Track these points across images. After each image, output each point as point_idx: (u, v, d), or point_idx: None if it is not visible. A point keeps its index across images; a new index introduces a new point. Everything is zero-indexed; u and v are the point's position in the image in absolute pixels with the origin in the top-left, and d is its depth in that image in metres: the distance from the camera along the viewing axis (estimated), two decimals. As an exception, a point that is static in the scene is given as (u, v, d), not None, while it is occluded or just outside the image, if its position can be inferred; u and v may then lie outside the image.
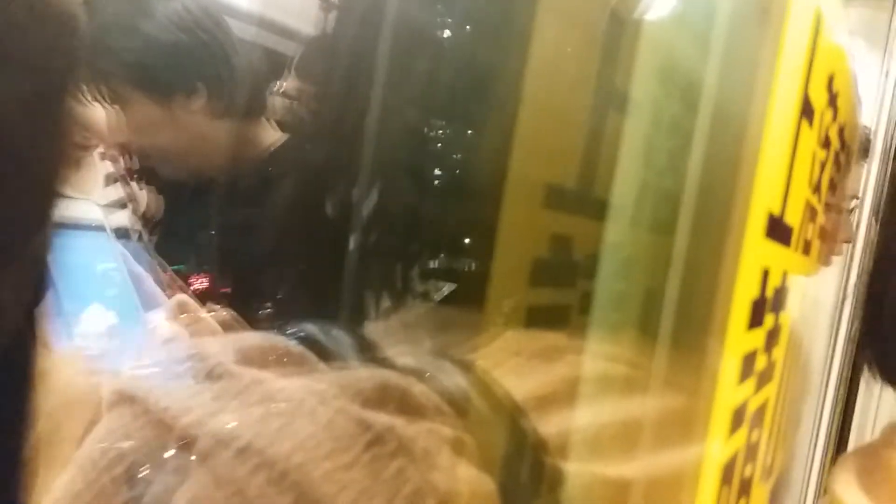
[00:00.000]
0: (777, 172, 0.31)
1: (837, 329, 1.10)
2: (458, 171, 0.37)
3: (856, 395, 1.73)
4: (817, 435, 1.16)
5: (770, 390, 0.42)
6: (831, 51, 0.39)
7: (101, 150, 1.15)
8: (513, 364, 0.32)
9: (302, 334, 0.33)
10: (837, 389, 1.13)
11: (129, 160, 1.13)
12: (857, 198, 0.97)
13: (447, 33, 0.39)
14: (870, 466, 0.41)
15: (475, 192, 0.36)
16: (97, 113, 0.99)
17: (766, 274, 0.33)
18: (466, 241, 0.37)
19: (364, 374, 0.31)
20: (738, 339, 0.29)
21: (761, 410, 0.40)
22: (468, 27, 0.37)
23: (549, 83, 0.35)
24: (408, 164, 0.40)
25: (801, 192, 0.38)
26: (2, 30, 0.47)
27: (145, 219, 1.12)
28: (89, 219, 0.68)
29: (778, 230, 0.33)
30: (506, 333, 0.32)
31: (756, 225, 0.28)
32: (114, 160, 1.14)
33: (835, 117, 0.44)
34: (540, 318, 0.32)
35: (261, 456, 0.27)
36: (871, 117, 0.95)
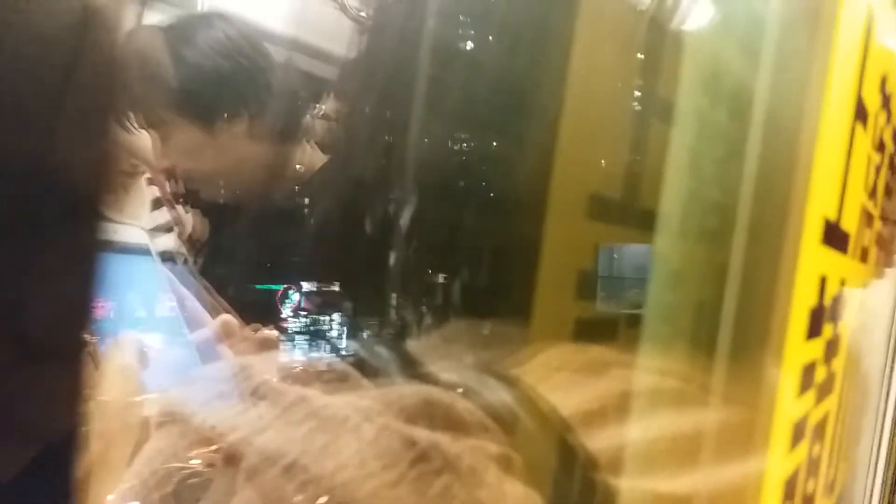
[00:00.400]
0: (832, 176, 0.30)
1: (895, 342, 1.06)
2: (500, 184, 0.37)
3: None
4: (878, 450, 1.12)
5: (830, 403, 0.40)
6: (883, 52, 0.38)
7: (147, 175, 1.17)
8: (558, 379, 0.31)
9: (344, 351, 0.33)
10: (893, 408, 1.09)
11: (174, 184, 1.15)
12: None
13: (485, 48, 0.38)
14: None
15: (519, 205, 0.35)
16: (142, 139, 1.01)
17: (823, 281, 0.31)
18: (510, 254, 0.37)
19: (408, 391, 0.30)
20: (796, 349, 0.28)
21: (822, 424, 0.38)
22: (507, 40, 0.37)
23: (591, 93, 0.34)
24: (449, 180, 0.40)
25: (857, 198, 0.37)
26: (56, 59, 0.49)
27: (191, 242, 1.13)
28: (135, 243, 0.69)
29: (835, 236, 0.32)
30: (550, 348, 0.32)
31: (812, 231, 0.27)
32: (160, 185, 1.17)
33: (889, 119, 0.42)
34: (586, 331, 0.31)
35: (307, 473, 0.27)
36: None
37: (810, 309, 0.29)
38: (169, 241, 1.12)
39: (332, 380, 0.32)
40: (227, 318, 0.56)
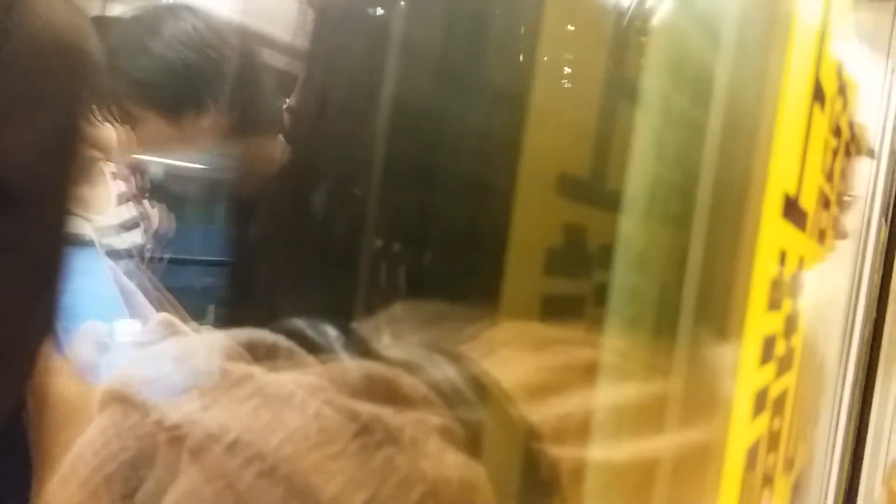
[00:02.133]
0: (792, 153, 0.31)
1: (852, 329, 1.09)
2: (466, 164, 0.37)
3: (871, 396, 1.71)
4: (835, 435, 1.15)
5: (790, 379, 0.41)
6: (841, 38, 0.39)
7: (113, 169, 1.16)
8: (503, 354, 0.32)
9: (290, 329, 0.33)
10: (854, 389, 1.12)
11: (140, 178, 1.14)
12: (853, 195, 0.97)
13: (449, 30, 0.39)
14: None
15: (484, 184, 0.36)
16: (108, 132, 1.00)
17: (783, 256, 0.33)
18: (472, 233, 0.38)
19: (351, 366, 0.31)
20: (757, 319, 0.29)
21: (782, 398, 0.40)
22: (476, 22, 0.37)
23: (559, 74, 0.35)
24: (412, 162, 0.41)
25: (815, 178, 0.39)
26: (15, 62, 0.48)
27: (157, 236, 1.12)
28: (80, 235, 0.68)
29: (794, 212, 0.33)
30: (497, 325, 0.33)
31: (773, 203, 0.28)
32: (126, 179, 1.16)
33: (845, 106, 0.44)
34: (552, 309, 0.32)
35: (251, 449, 0.27)
36: (877, 117, 0.95)
37: (771, 280, 0.30)
38: (135, 237, 1.11)
39: (277, 358, 0.32)
40: (167, 315, 0.55)
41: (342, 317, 0.39)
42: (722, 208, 0.29)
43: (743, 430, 0.31)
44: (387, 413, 0.28)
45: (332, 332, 0.37)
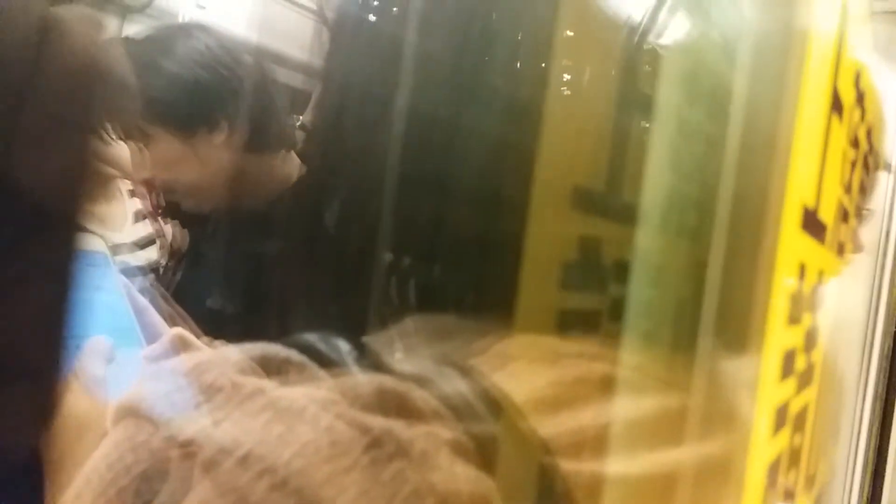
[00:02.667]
0: (810, 164, 0.30)
1: (872, 343, 1.08)
2: (480, 178, 0.37)
3: (892, 410, 1.69)
4: (857, 450, 1.13)
5: (810, 394, 0.41)
6: (857, 49, 0.39)
7: (129, 187, 1.17)
8: (516, 368, 0.31)
9: (302, 344, 0.33)
10: (874, 405, 1.10)
11: (155, 196, 1.14)
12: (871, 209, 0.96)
13: (464, 43, 0.39)
14: None
15: (499, 198, 0.36)
16: (122, 150, 1.00)
17: (803, 269, 0.32)
18: (486, 247, 0.37)
19: (363, 380, 0.31)
20: (778, 332, 0.29)
21: (803, 414, 0.39)
22: (487, 36, 0.37)
23: (574, 87, 0.35)
24: (429, 175, 0.40)
25: (834, 190, 0.38)
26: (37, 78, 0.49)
27: (172, 254, 1.13)
28: (93, 251, 0.69)
29: (813, 224, 0.33)
30: (510, 338, 0.32)
31: (792, 215, 0.28)
32: (141, 197, 1.16)
33: (863, 117, 0.43)
34: (568, 323, 0.31)
35: (262, 463, 0.27)
36: (891, 129, 0.95)
37: (791, 294, 0.30)
38: (151, 254, 1.11)
39: (289, 372, 0.32)
40: (180, 331, 0.55)
41: (354, 331, 0.39)
42: (740, 221, 0.28)
43: (763, 446, 0.30)
44: (398, 426, 0.28)
45: (343, 346, 0.37)
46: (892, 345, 1.48)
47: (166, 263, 1.09)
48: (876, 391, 1.20)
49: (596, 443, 0.29)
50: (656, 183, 0.29)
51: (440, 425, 0.30)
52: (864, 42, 0.44)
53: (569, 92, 0.33)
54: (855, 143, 0.42)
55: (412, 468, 0.27)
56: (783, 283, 0.29)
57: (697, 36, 0.32)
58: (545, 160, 0.32)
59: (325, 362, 0.35)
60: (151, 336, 0.65)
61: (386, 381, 0.31)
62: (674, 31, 0.33)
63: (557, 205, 0.34)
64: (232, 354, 0.32)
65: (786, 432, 0.35)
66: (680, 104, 0.29)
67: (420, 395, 0.31)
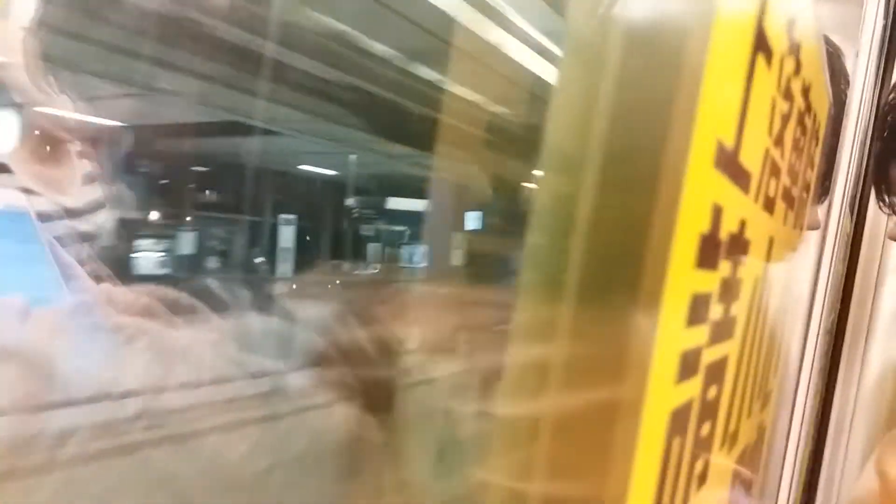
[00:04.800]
0: (727, 100, 0.29)
1: (819, 319, 1.09)
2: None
3: (834, 387, 1.72)
4: (800, 424, 1.15)
5: (730, 348, 0.40)
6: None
7: (78, 149, 1.13)
8: (419, 315, 0.31)
9: (199, 289, 0.33)
10: (812, 381, 1.12)
11: (105, 160, 1.11)
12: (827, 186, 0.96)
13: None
14: None
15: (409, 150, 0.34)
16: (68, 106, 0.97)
17: (718, 211, 0.31)
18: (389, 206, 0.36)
19: (252, 322, 0.31)
20: (684, 272, 0.28)
21: (719, 366, 0.38)
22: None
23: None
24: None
25: (760, 139, 0.37)
26: None
27: (121, 218, 1.10)
28: (13, 205, 0.67)
29: (731, 166, 0.32)
30: (413, 288, 0.32)
31: (703, 148, 0.27)
32: (89, 158, 1.13)
33: (797, 70, 0.42)
34: (468, 272, 0.30)
35: (141, 401, 0.26)
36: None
37: (700, 234, 0.29)
38: (98, 217, 1.08)
39: (178, 313, 0.32)
40: (108, 286, 0.54)
41: (261, 280, 0.38)
42: (646, 154, 0.27)
43: (666, 391, 0.29)
44: (276, 366, 0.27)
45: (243, 292, 0.36)
46: (836, 320, 1.51)
47: (112, 226, 1.06)
48: (815, 365, 1.22)
49: (490, 384, 0.28)
50: (557, 122, 0.27)
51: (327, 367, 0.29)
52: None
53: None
54: (787, 96, 0.42)
55: (296, 414, 0.27)
56: (691, 222, 0.28)
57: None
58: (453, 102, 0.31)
59: (220, 306, 0.34)
60: (74, 289, 0.64)
61: (273, 323, 0.31)
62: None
63: (465, 146, 0.33)
64: (118, 295, 0.32)
65: (696, 381, 0.34)
66: (589, 35, 0.28)
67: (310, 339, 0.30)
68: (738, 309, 0.40)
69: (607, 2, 0.29)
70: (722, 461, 0.45)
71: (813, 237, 1.07)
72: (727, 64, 0.28)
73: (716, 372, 0.37)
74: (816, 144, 0.60)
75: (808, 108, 0.50)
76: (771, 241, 0.47)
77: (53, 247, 0.67)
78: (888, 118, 1.00)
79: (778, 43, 0.36)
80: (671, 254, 0.26)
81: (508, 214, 0.31)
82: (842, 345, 1.68)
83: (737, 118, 0.31)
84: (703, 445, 0.38)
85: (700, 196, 0.28)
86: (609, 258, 0.28)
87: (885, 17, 0.93)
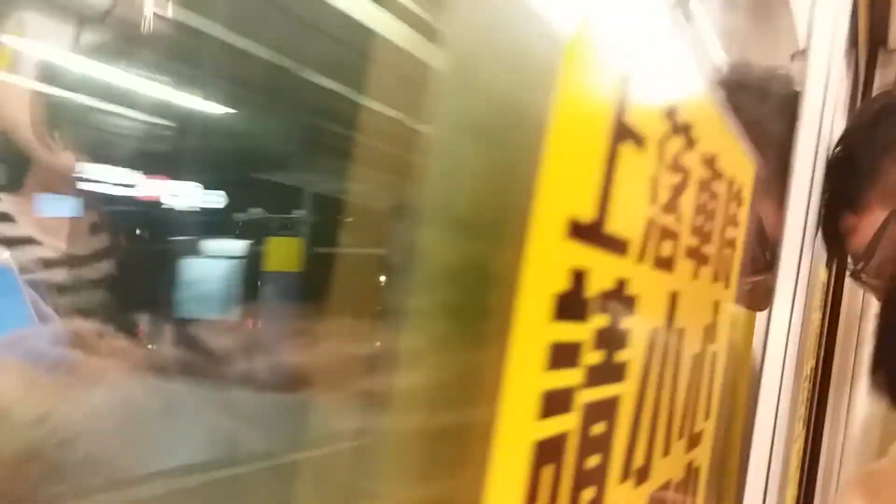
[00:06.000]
0: (580, 183, 0.35)
1: (784, 363, 1.13)
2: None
3: (821, 436, 1.74)
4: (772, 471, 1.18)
5: (621, 390, 0.46)
6: (668, 86, 0.44)
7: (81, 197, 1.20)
8: (321, 346, 0.37)
9: (124, 322, 0.39)
10: (784, 428, 1.15)
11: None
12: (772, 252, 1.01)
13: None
14: (876, 487, 0.43)
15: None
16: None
17: (580, 273, 0.37)
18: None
19: (168, 353, 0.36)
20: (537, 323, 0.33)
21: (606, 406, 0.44)
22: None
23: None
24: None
25: (638, 210, 0.43)
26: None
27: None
28: None
29: (593, 236, 0.38)
30: (322, 323, 0.38)
31: (548, 224, 0.33)
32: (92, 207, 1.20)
33: (690, 146, 0.49)
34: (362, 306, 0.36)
35: (58, 423, 0.32)
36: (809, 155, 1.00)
37: (556, 294, 0.35)
38: (105, 265, 1.15)
39: (104, 344, 0.38)
40: (82, 322, 0.59)
41: (182, 315, 0.44)
42: (511, 228, 0.33)
43: (525, 424, 0.35)
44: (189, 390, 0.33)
45: (166, 325, 0.42)
46: (815, 367, 1.54)
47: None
48: (799, 413, 1.26)
49: (375, 401, 0.34)
50: (434, 183, 0.34)
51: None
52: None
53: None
54: (678, 169, 0.48)
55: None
56: (541, 285, 0.34)
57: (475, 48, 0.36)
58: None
59: (142, 337, 0.41)
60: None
61: (186, 355, 0.37)
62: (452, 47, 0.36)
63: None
64: (48, 329, 0.38)
65: (570, 417, 0.39)
66: (457, 114, 0.34)
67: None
68: (630, 355, 0.46)
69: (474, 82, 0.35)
70: (628, 492, 0.51)
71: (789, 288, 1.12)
72: (574, 156, 0.34)
73: (601, 411, 0.43)
74: (739, 205, 0.66)
75: (717, 175, 0.56)
76: (674, 295, 0.52)
77: (35, 300, 0.74)
78: (835, 169, 1.06)
79: (652, 130, 0.42)
80: (518, 309, 0.32)
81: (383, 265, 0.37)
82: (827, 393, 1.71)
83: (597, 196, 0.37)
84: (591, 476, 0.43)
85: (550, 262, 0.34)
86: (468, 306, 0.34)
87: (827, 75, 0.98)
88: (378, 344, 0.34)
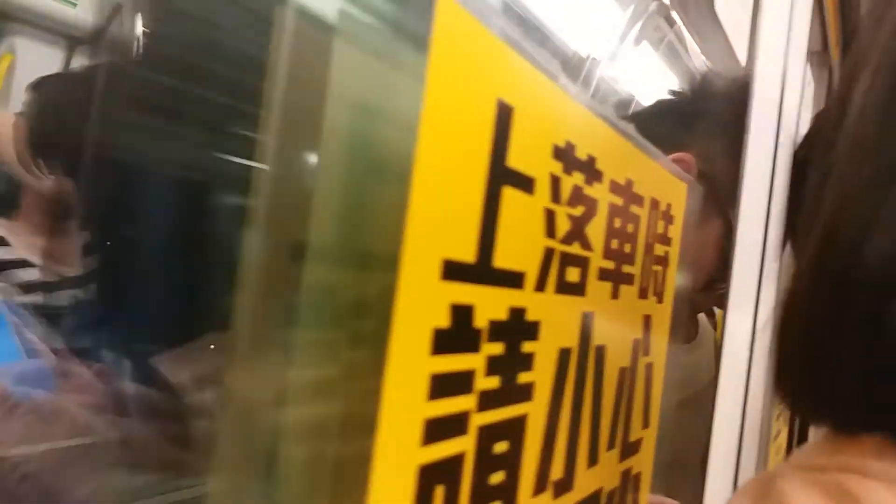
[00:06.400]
0: (456, 228, 0.38)
1: (751, 360, 1.16)
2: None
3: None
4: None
5: (528, 409, 0.49)
6: (554, 112, 0.47)
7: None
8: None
9: (88, 358, 0.42)
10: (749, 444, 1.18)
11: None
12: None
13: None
14: (763, 496, 0.45)
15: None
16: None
17: (464, 309, 0.40)
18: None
19: (127, 388, 0.39)
20: (413, 358, 0.37)
21: (509, 426, 0.47)
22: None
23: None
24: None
25: (532, 243, 0.46)
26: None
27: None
28: None
29: (476, 274, 0.41)
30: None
31: (420, 269, 0.36)
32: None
33: (592, 179, 0.51)
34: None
35: (19, 457, 0.35)
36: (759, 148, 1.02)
37: (435, 328, 0.38)
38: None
39: (70, 379, 0.41)
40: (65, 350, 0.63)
41: (143, 350, 0.47)
42: (390, 269, 0.37)
43: (408, 450, 0.38)
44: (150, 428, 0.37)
45: (125, 361, 0.45)
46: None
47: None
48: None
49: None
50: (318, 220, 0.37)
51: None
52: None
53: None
54: (581, 201, 0.51)
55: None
56: (413, 319, 0.37)
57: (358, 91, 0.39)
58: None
59: (104, 373, 0.44)
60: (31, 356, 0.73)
61: (144, 391, 0.40)
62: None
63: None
64: (9, 367, 0.41)
65: (464, 440, 0.42)
66: (342, 150, 0.37)
67: (159, 399, 0.39)
68: (536, 377, 0.49)
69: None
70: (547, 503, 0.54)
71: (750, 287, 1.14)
72: (446, 200, 0.37)
73: (503, 431, 0.46)
74: (670, 223, 0.69)
75: (634, 199, 0.59)
76: (587, 316, 0.55)
77: (18, 327, 0.78)
78: (796, 171, 1.08)
79: (540, 170, 0.45)
80: (391, 346, 0.35)
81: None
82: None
83: (477, 238, 0.40)
84: (496, 491, 0.46)
85: (426, 302, 0.37)
86: (351, 342, 0.37)
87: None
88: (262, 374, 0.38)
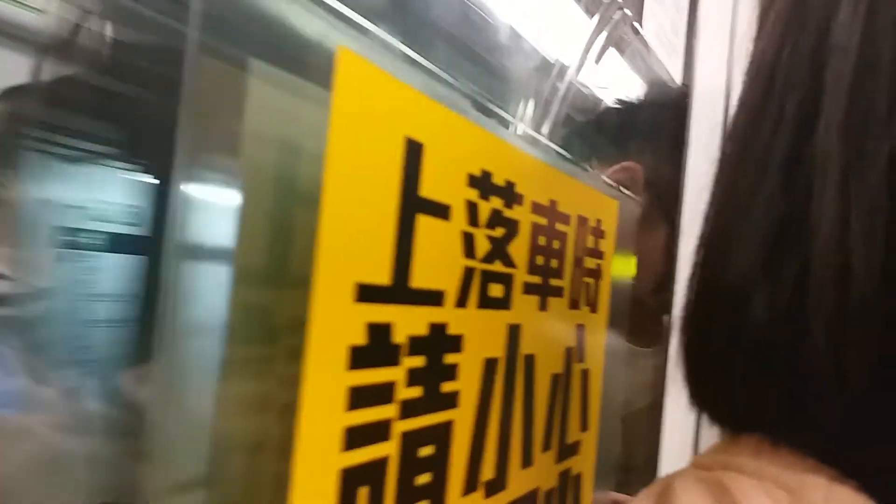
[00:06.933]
0: (367, 252, 0.43)
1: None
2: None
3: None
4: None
5: (454, 415, 0.53)
6: (471, 140, 0.51)
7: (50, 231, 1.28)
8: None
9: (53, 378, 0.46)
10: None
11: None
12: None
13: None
14: (662, 493, 0.48)
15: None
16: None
17: (380, 327, 0.44)
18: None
19: (93, 407, 0.43)
20: (329, 373, 0.41)
21: (434, 431, 0.51)
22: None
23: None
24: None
25: (449, 263, 0.50)
26: None
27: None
28: None
29: (392, 295, 0.45)
30: None
31: (332, 291, 0.40)
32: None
33: (512, 202, 0.56)
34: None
35: None
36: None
37: (350, 346, 0.42)
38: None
39: (40, 398, 0.45)
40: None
41: (112, 368, 0.51)
42: (299, 288, 0.41)
43: (327, 456, 0.42)
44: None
45: (92, 381, 0.49)
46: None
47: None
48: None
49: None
50: (247, 244, 0.41)
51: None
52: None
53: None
54: (500, 223, 0.55)
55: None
56: (329, 337, 0.41)
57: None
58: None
59: (73, 393, 0.48)
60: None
61: (109, 408, 0.44)
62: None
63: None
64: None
65: (387, 445, 0.47)
66: (265, 171, 0.41)
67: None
68: (461, 385, 0.53)
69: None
70: (477, 502, 0.58)
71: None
72: (356, 227, 0.41)
73: (427, 436, 0.50)
74: (601, 237, 0.73)
75: (559, 218, 0.64)
76: (514, 328, 0.59)
77: None
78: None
79: (455, 198, 0.49)
80: (307, 363, 0.40)
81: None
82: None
83: (390, 261, 0.44)
84: (422, 490, 0.51)
85: (340, 322, 0.41)
86: (279, 359, 0.41)
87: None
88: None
